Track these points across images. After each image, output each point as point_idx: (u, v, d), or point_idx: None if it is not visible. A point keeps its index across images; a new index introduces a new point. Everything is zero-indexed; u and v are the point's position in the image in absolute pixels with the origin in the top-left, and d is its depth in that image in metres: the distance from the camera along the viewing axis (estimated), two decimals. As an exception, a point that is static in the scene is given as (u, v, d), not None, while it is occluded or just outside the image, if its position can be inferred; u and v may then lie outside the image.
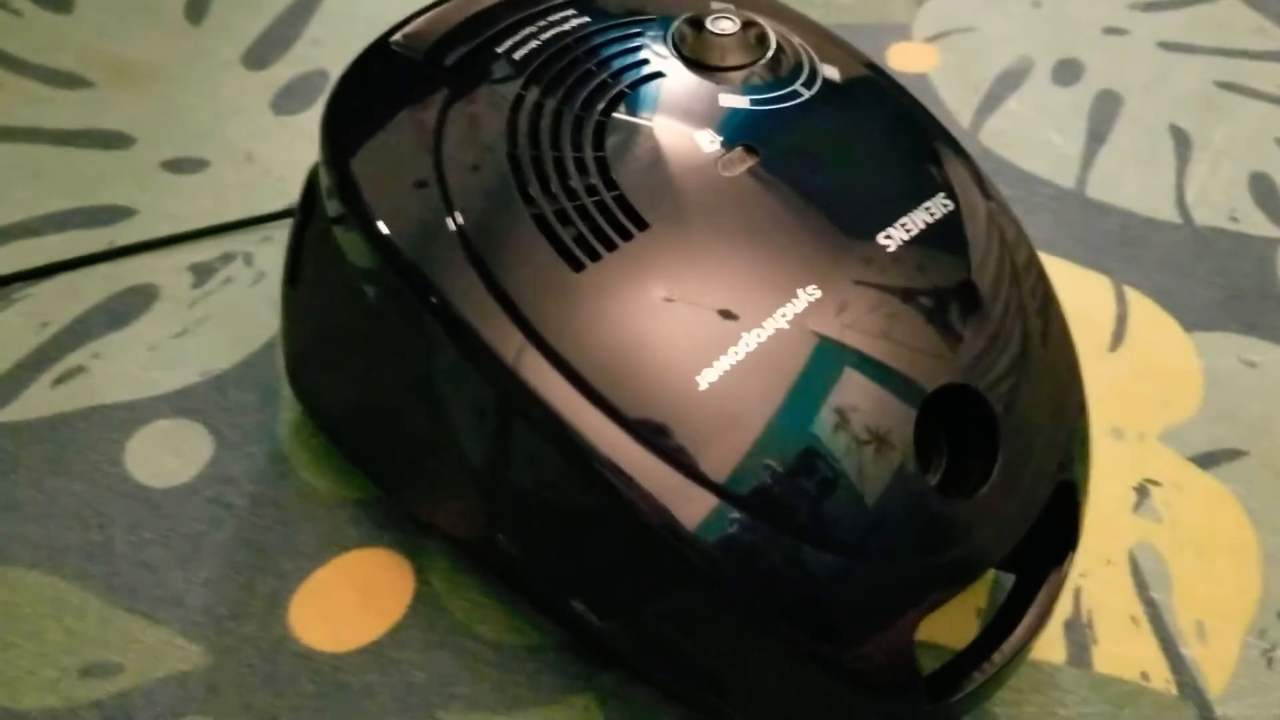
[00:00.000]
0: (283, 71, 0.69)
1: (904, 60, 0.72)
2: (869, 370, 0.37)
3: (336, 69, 0.44)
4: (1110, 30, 0.74)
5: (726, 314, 0.37)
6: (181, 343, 0.56)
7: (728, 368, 0.36)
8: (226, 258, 0.59)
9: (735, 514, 0.36)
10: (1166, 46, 0.73)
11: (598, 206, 0.38)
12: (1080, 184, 0.64)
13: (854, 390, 0.37)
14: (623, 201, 0.38)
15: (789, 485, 0.36)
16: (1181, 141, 0.67)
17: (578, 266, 0.37)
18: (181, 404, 0.53)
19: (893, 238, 0.39)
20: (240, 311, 0.57)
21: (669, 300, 0.37)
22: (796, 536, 0.36)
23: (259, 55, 0.70)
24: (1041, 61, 0.72)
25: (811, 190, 0.40)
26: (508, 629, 0.46)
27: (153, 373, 0.54)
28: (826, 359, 0.37)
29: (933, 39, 0.74)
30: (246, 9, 0.73)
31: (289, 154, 0.64)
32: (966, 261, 0.40)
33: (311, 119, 0.43)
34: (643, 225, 0.38)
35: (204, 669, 0.45)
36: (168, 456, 0.51)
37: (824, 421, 0.36)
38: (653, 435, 0.35)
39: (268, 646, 0.45)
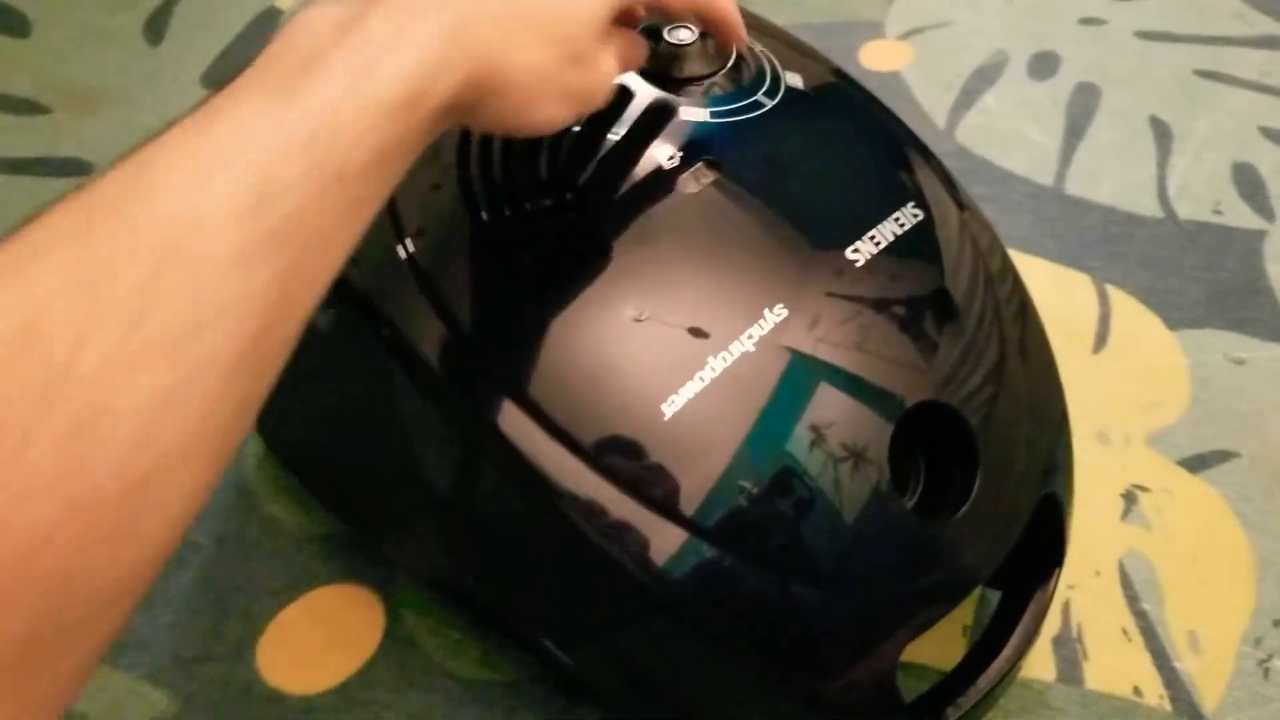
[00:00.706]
0: (243, 91, 0.68)
1: (877, 59, 0.71)
2: (840, 392, 0.36)
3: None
4: (1087, 20, 0.73)
5: (691, 339, 0.35)
6: (143, 375, 0.54)
7: (693, 395, 0.35)
8: (188, 286, 0.58)
9: (705, 547, 0.34)
10: (1145, 35, 0.72)
11: (555, 230, 0.37)
12: (1059, 180, 0.63)
13: (825, 413, 0.36)
14: (581, 224, 0.37)
15: (760, 516, 0.35)
16: (1162, 133, 0.66)
17: (536, 294, 0.36)
18: (143, 439, 0.52)
19: (861, 251, 0.38)
20: (202, 341, 0.55)
21: (631, 327, 0.35)
22: (769, 568, 0.35)
23: (220, 74, 0.69)
24: (1017, 55, 0.71)
25: (777, 204, 0.39)
26: (482, 665, 0.44)
27: (113, 408, 0.53)
28: (795, 382, 0.36)
29: (906, 35, 0.72)
30: (206, 27, 0.72)
31: (250, 176, 0.63)
32: (938, 272, 0.39)
33: None
34: (603, 248, 0.36)
35: (171, 715, 0.43)
36: (129, 495, 0.50)
37: (795, 447, 0.35)
38: (618, 468, 0.34)
39: (236, 690, 0.44)
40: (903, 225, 0.39)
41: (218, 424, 0.25)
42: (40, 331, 0.23)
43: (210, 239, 0.25)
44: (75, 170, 0.63)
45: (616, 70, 0.33)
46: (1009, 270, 0.43)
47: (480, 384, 0.35)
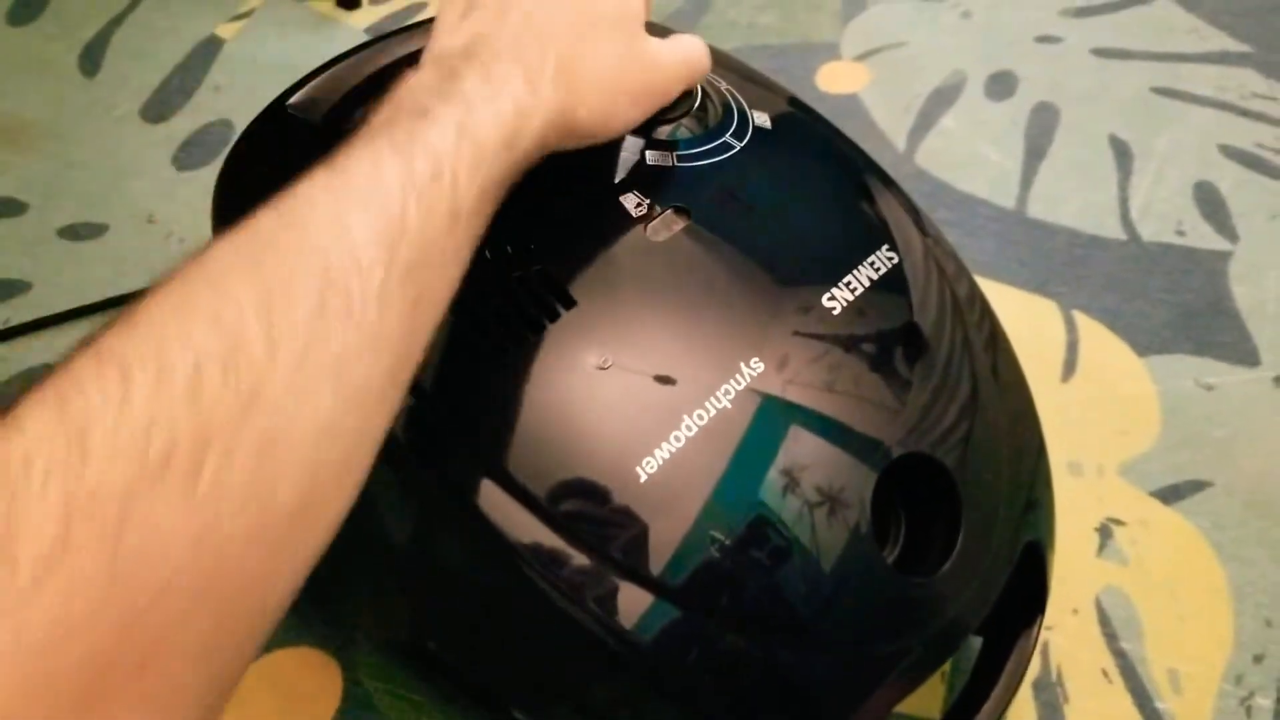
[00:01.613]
0: (184, 123, 0.65)
1: (834, 81, 0.70)
2: (820, 447, 0.35)
3: (241, 118, 0.41)
4: (1043, 39, 0.72)
5: (666, 396, 0.34)
6: (83, 427, 0.52)
7: (669, 455, 0.33)
8: (129, 330, 0.55)
9: (682, 613, 0.33)
10: (1101, 53, 0.71)
11: (520, 284, 0.35)
12: (1021, 203, 0.62)
13: (804, 469, 0.34)
14: (546, 278, 0.35)
15: (739, 579, 0.33)
16: (1122, 152, 0.65)
17: (501, 353, 0.34)
18: (85, 495, 0.49)
19: (837, 299, 0.37)
20: (146, 389, 0.53)
21: (602, 384, 0.34)
22: (749, 633, 0.33)
23: (158, 107, 0.66)
24: (975, 75, 0.70)
25: (749, 252, 0.37)
26: (447, 728, 0.43)
27: (53, 462, 0.50)
28: (773, 439, 0.34)
29: (862, 57, 0.71)
30: (144, 57, 0.69)
31: (192, 213, 0.61)
32: (914, 321, 0.38)
33: (215, 172, 0.39)
34: (570, 303, 0.35)
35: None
36: (72, 555, 0.47)
37: (772, 504, 0.34)
38: (590, 534, 0.32)
39: (188, 763, 0.42)
40: (878, 270, 0.38)
41: (364, 452, 0.28)
42: (240, 354, 0.24)
43: (359, 274, 0.27)
44: (10, 210, 0.61)
45: (679, 62, 0.37)
46: (977, 298, 0.42)
47: (443, 449, 0.33)
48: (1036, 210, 0.62)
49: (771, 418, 0.34)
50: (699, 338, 0.35)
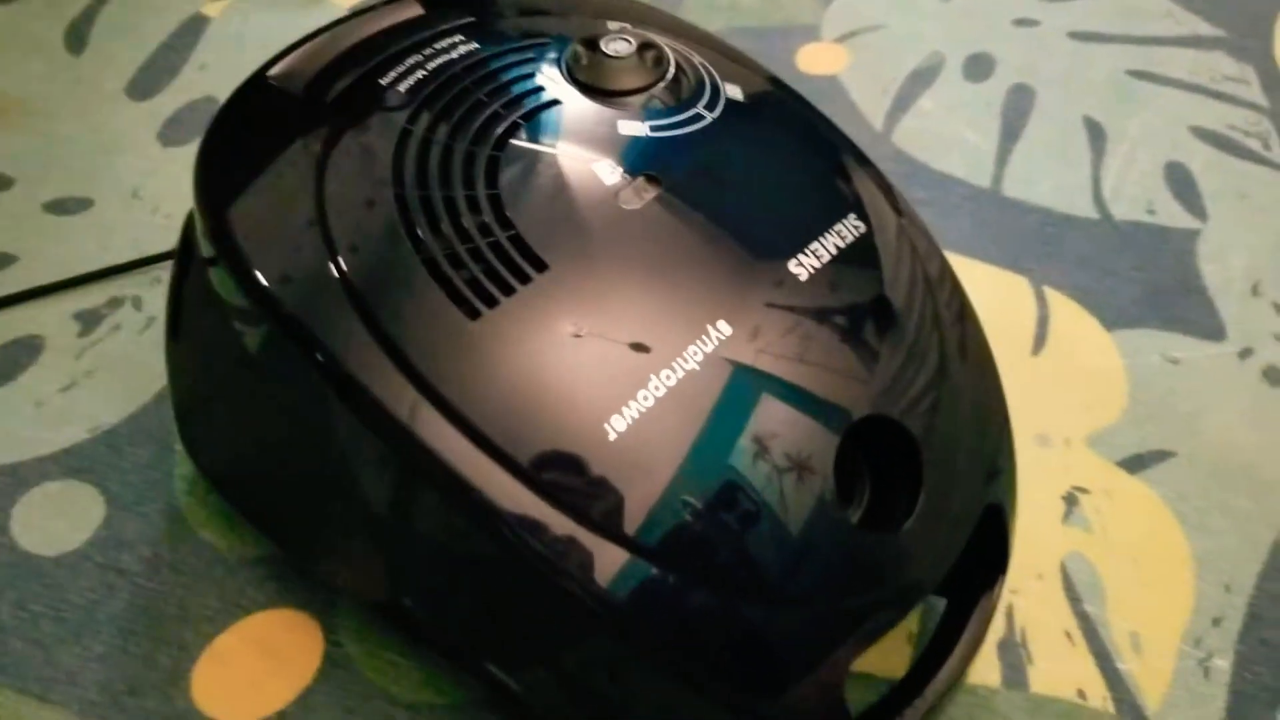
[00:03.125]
0: (169, 101, 0.66)
1: (813, 62, 0.70)
2: (785, 408, 0.36)
3: (226, 95, 0.42)
4: (1020, 22, 0.73)
5: (634, 357, 0.35)
6: (69, 397, 0.52)
7: (638, 415, 0.34)
8: (114, 303, 0.56)
9: (650, 568, 0.34)
10: (1077, 36, 0.72)
11: (492, 248, 0.36)
12: (996, 182, 0.63)
13: (770, 429, 0.35)
14: (519, 241, 0.36)
15: (705, 535, 0.34)
16: (1096, 134, 0.66)
17: (473, 314, 0.35)
18: (70, 463, 0.50)
19: (804, 265, 0.38)
20: (130, 361, 0.54)
21: (573, 346, 0.35)
22: (716, 587, 0.34)
23: (144, 85, 0.67)
24: (952, 57, 0.71)
25: (718, 219, 0.38)
26: (425, 688, 0.44)
27: (39, 431, 0.51)
28: (740, 399, 0.35)
29: (842, 39, 0.72)
30: (129, 36, 0.70)
31: (178, 189, 0.61)
32: (880, 287, 0.39)
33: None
34: (541, 266, 0.36)
35: (102, 750, 0.42)
36: (57, 521, 0.48)
37: (739, 464, 0.35)
38: (560, 490, 0.33)
39: (170, 721, 0.43)
40: (844, 238, 0.39)
41: None
42: None
43: None
44: (-5, 184, 0.62)
45: None
46: (947, 276, 0.43)
47: (418, 408, 0.34)
48: (1011, 190, 0.63)
49: (738, 379, 0.35)
50: (667, 301, 0.36)
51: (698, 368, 0.35)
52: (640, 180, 0.38)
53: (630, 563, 0.34)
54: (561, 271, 0.36)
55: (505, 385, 0.34)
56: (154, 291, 0.56)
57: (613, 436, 0.34)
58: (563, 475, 0.34)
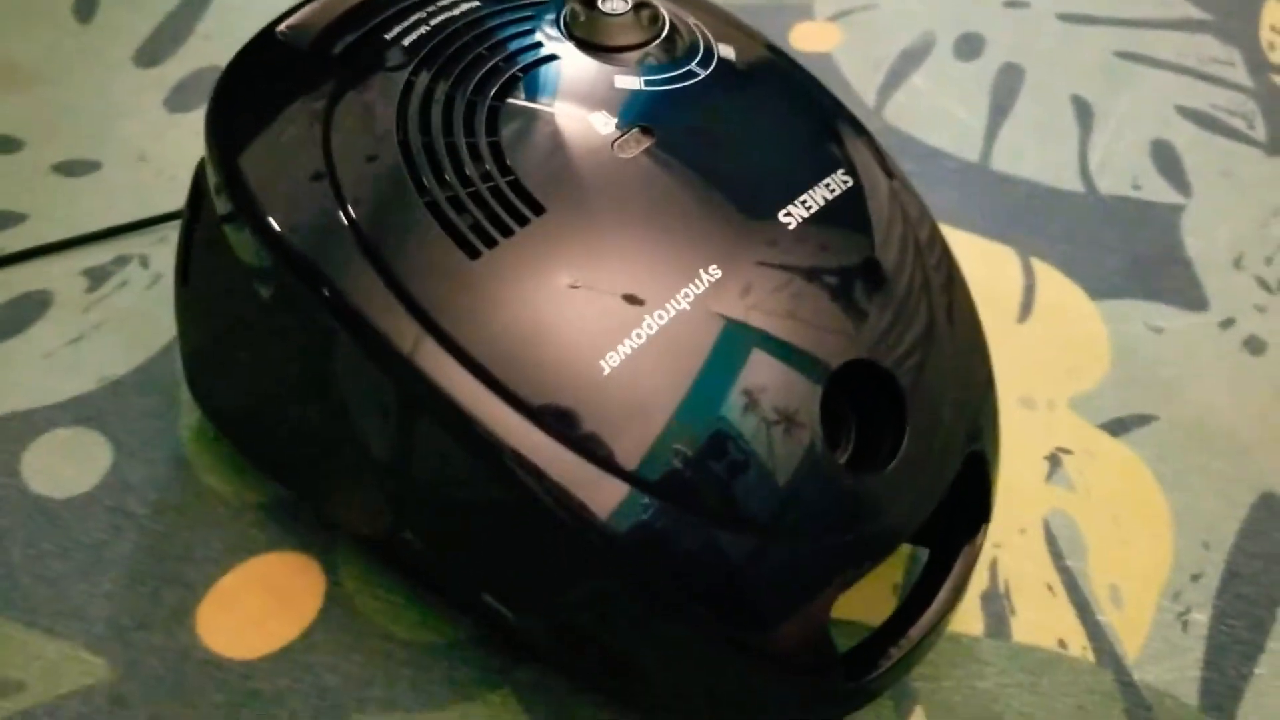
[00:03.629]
0: (175, 69, 0.67)
1: (807, 40, 0.72)
2: (774, 349, 0.37)
3: (232, 62, 0.43)
4: (1011, 3, 0.75)
5: (628, 297, 0.36)
6: (77, 349, 0.54)
7: (630, 351, 0.35)
8: (121, 260, 0.57)
9: (647, 501, 0.35)
10: (1066, 18, 0.74)
11: (492, 192, 0.37)
12: (984, 157, 0.65)
13: (760, 370, 0.37)
14: (518, 186, 0.37)
15: (699, 469, 0.36)
16: (1083, 111, 0.68)
17: (474, 254, 0.36)
18: (79, 412, 0.51)
19: (793, 215, 0.39)
20: (137, 315, 0.55)
21: (569, 285, 0.36)
22: (709, 520, 0.36)
23: (150, 53, 0.68)
24: (944, 37, 0.72)
25: (710, 170, 0.40)
26: (423, 627, 0.45)
27: (48, 381, 0.52)
28: (731, 340, 0.36)
29: (835, 17, 0.74)
30: (136, 6, 0.71)
31: (183, 153, 0.63)
32: (868, 236, 0.40)
33: (204, 116, 0.41)
34: (539, 210, 0.37)
35: (109, 682, 0.43)
36: (65, 466, 0.50)
37: (731, 403, 0.36)
38: (558, 423, 0.35)
39: (175, 656, 0.44)
40: (833, 190, 0.40)
41: None
42: None
43: None
44: (6, 147, 0.63)
45: None
46: (936, 237, 0.44)
47: (422, 343, 0.35)
48: (999, 164, 0.64)
49: (728, 320, 0.37)
50: (660, 246, 0.37)
51: (689, 309, 0.36)
52: (635, 131, 0.39)
53: (623, 494, 0.35)
54: (558, 215, 0.37)
55: (504, 321, 0.35)
56: (160, 250, 0.58)
57: (607, 372, 0.35)
58: (561, 409, 0.35)
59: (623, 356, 0.35)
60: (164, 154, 0.63)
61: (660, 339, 0.36)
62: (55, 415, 0.51)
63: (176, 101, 0.66)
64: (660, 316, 0.36)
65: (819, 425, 0.37)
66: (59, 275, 0.57)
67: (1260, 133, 0.67)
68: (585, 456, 0.35)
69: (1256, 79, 0.70)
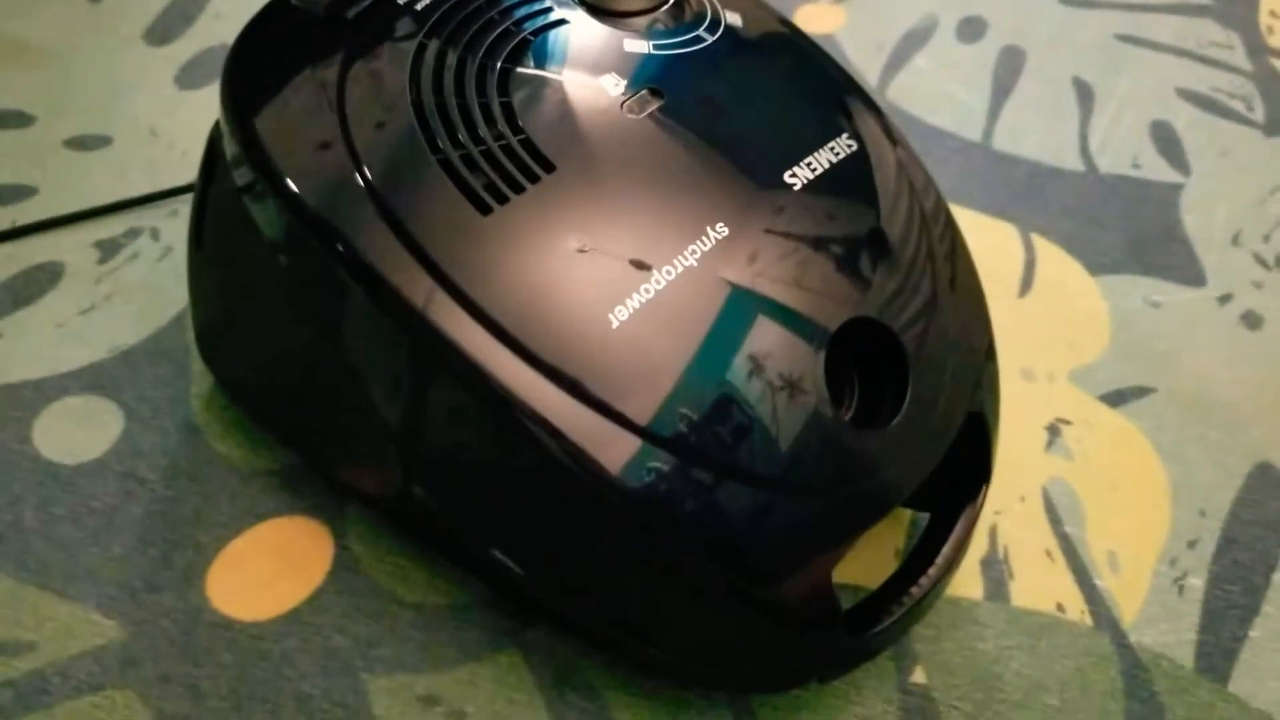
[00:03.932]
0: (186, 46, 0.68)
1: (811, 22, 0.73)
2: (780, 307, 0.38)
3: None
4: (1013, -12, 0.76)
5: (636, 253, 0.37)
6: (89, 319, 0.54)
7: (639, 306, 0.36)
8: (132, 233, 0.58)
9: (658, 455, 0.36)
10: (1067, 2, 0.74)
11: (504, 150, 0.38)
12: (986, 136, 0.65)
13: (766, 327, 0.37)
14: (529, 144, 0.38)
15: (708, 423, 0.36)
16: (1084, 93, 0.68)
17: (485, 210, 0.37)
18: (90, 380, 0.52)
19: (798, 176, 0.40)
20: (148, 286, 0.56)
21: (578, 240, 0.37)
22: (718, 474, 0.36)
23: (161, 31, 0.69)
24: (946, 19, 0.73)
25: (717, 131, 0.40)
26: (430, 589, 0.46)
27: (60, 350, 0.53)
28: (738, 297, 0.37)
29: (839, 0, 0.74)
30: (147, -15, 0.72)
31: (194, 128, 0.63)
32: (873, 198, 0.41)
33: (216, 92, 0.42)
34: (550, 168, 0.38)
35: (120, 643, 0.44)
36: (77, 432, 0.50)
37: (739, 359, 0.37)
38: (568, 376, 0.35)
39: (185, 618, 0.45)
40: (838, 154, 0.41)
41: None
42: None
43: None
44: (17, 122, 0.63)
45: None
46: (940, 204, 0.45)
47: (437, 298, 0.36)
48: (1000, 143, 0.65)
49: (735, 277, 0.37)
50: (668, 203, 0.38)
51: (696, 265, 0.37)
52: (643, 93, 0.40)
53: (635, 448, 0.35)
54: (568, 173, 0.38)
55: (514, 275, 0.36)
56: (172, 223, 0.58)
57: (615, 325, 0.36)
58: (570, 361, 0.35)
59: (631, 310, 0.36)
60: (175, 129, 0.63)
61: (668, 294, 0.36)
62: (67, 383, 0.52)
63: (187, 79, 0.66)
64: (668, 272, 0.37)
65: (824, 382, 0.37)
66: (70, 247, 0.57)
67: (1259, 114, 0.67)
68: (595, 409, 0.35)
69: (1255, 62, 0.71)
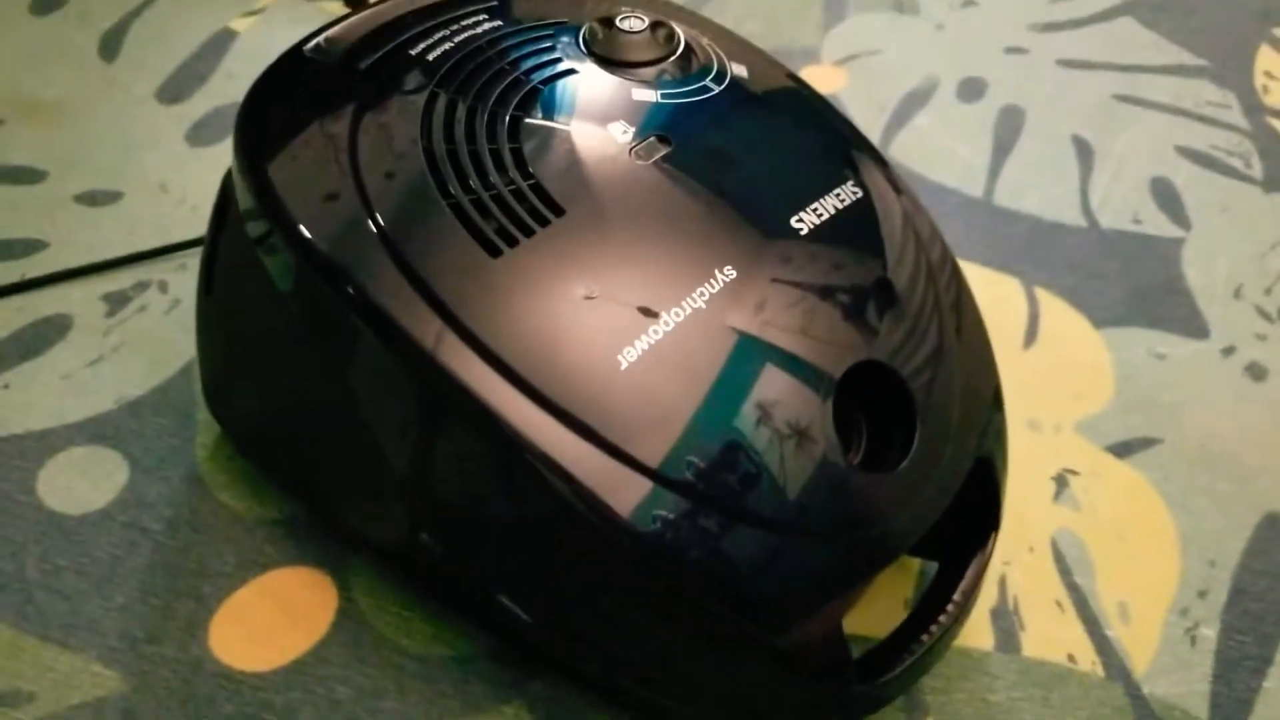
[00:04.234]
0: (198, 105, 0.69)
1: (813, 82, 0.72)
2: (788, 350, 0.38)
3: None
4: (1011, 50, 0.77)
5: (644, 295, 0.37)
6: (96, 370, 0.54)
7: (647, 347, 0.36)
8: (141, 286, 0.58)
9: (668, 498, 0.35)
10: (1066, 64, 0.76)
11: (514, 195, 0.38)
12: (988, 193, 0.66)
13: (774, 370, 0.37)
14: (539, 189, 0.39)
15: (718, 466, 0.36)
16: (1084, 151, 0.69)
17: (495, 253, 0.37)
18: (96, 431, 0.52)
19: (805, 221, 0.40)
20: (155, 338, 0.56)
21: (587, 283, 0.37)
22: (728, 517, 0.36)
23: (174, 90, 0.70)
24: (946, 80, 0.74)
25: (724, 177, 0.41)
26: (435, 640, 0.45)
27: (66, 401, 0.53)
28: (747, 339, 0.37)
29: (841, 62, 0.75)
30: (160, 45, 0.73)
31: (204, 183, 0.64)
32: (879, 243, 0.41)
33: (228, 148, 0.42)
34: (559, 211, 0.38)
35: (120, 694, 0.43)
36: (81, 483, 0.50)
37: (748, 400, 0.37)
38: (576, 416, 0.35)
39: (186, 669, 0.44)
40: (843, 200, 0.41)
41: None
42: None
43: None
44: (29, 178, 0.64)
45: None
46: (942, 245, 0.45)
47: (448, 342, 0.36)
48: (1002, 199, 0.66)
49: (745, 319, 0.37)
50: (676, 247, 0.38)
51: (705, 307, 0.37)
52: (651, 140, 0.40)
53: (641, 487, 0.35)
54: (577, 216, 0.38)
55: (523, 317, 0.36)
56: (180, 276, 0.59)
57: (625, 366, 0.36)
58: (580, 403, 0.35)
59: (640, 352, 0.36)
60: (185, 185, 0.64)
61: (677, 337, 0.37)
62: (72, 434, 0.52)
63: (198, 136, 0.67)
64: (676, 314, 0.37)
65: (832, 426, 0.37)
66: (79, 300, 0.58)
67: (1257, 171, 0.68)
68: (604, 450, 0.35)
69: (1252, 120, 0.71)
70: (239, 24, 0.75)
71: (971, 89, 0.73)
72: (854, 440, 0.40)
